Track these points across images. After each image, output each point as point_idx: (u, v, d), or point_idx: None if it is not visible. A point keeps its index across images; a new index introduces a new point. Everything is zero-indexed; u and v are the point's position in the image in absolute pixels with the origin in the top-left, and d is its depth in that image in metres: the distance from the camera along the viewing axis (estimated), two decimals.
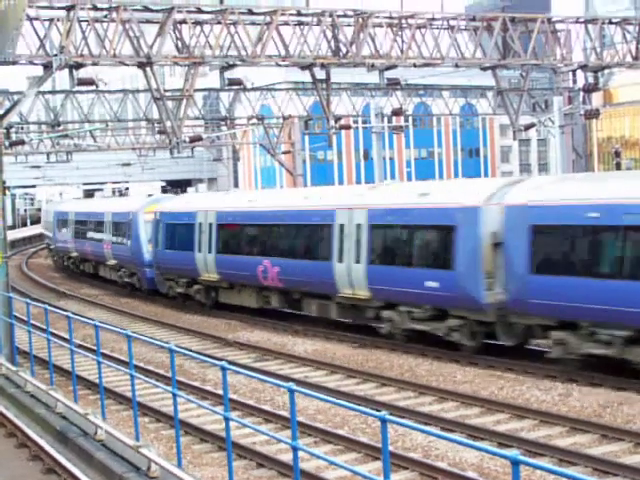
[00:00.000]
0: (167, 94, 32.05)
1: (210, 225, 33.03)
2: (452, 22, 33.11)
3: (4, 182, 23.36)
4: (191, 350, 23.76)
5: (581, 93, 45.27)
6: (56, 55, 25.59)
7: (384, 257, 24.88)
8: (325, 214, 27.12)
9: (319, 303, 27.44)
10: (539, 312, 20.35)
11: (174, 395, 12.32)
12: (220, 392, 17.91)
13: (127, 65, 29.61)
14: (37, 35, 26.42)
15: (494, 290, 21.52)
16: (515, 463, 6.72)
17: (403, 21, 32.00)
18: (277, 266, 28.83)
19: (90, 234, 47.26)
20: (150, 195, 54.50)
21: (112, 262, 42.76)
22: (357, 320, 26.49)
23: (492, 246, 21.67)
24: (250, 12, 30.36)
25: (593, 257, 19.60)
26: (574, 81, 50.39)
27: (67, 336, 17.45)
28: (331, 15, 30.51)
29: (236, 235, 31.88)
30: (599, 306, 18.88)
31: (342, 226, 26.14)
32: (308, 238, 28.30)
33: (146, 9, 28.85)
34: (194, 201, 37.69)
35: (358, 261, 25.40)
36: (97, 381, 16.05)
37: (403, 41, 32.01)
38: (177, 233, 35.46)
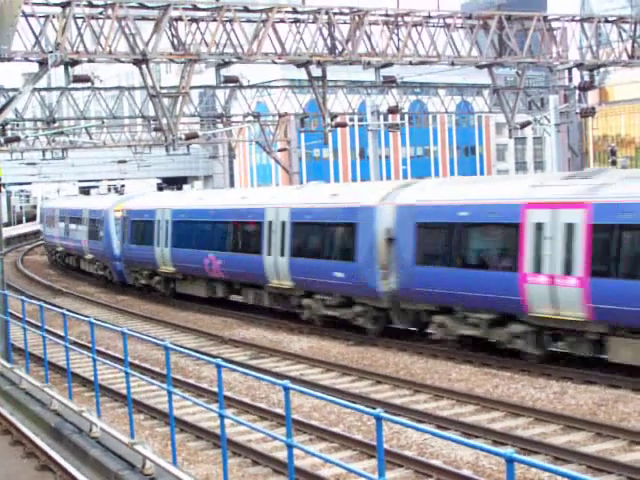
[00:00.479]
0: (163, 91, 32.02)
1: (167, 222, 36.48)
2: (448, 20, 33.11)
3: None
4: (186, 347, 23.76)
5: (577, 91, 45.27)
6: (52, 52, 25.56)
7: (303, 251, 27.90)
8: (257, 212, 30.15)
9: (255, 292, 30.55)
10: (423, 299, 23.42)
11: (169, 392, 12.31)
12: (215, 389, 17.93)
13: (123, 62, 29.62)
14: (32, 32, 26.39)
15: (388, 280, 24.38)
16: (510, 461, 6.72)
17: (399, 19, 32.00)
18: (220, 259, 32.06)
19: (71, 230, 50.32)
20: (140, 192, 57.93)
21: (89, 256, 45.91)
22: (285, 307, 29.21)
23: (386, 241, 24.53)
24: (246, 9, 30.33)
25: (463, 251, 22.71)
26: (570, 79, 50.39)
27: (62, 333, 17.43)
28: (327, 13, 30.50)
29: (187, 231, 35.01)
30: (468, 293, 21.93)
31: (270, 223, 29.20)
32: (244, 234, 31.41)
33: (142, 6, 28.82)
34: (155, 200, 40.98)
35: (282, 254, 28.46)
36: (92, 378, 16.04)
37: (399, 39, 32.01)
38: (140, 229, 38.76)
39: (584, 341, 19.86)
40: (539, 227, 20.54)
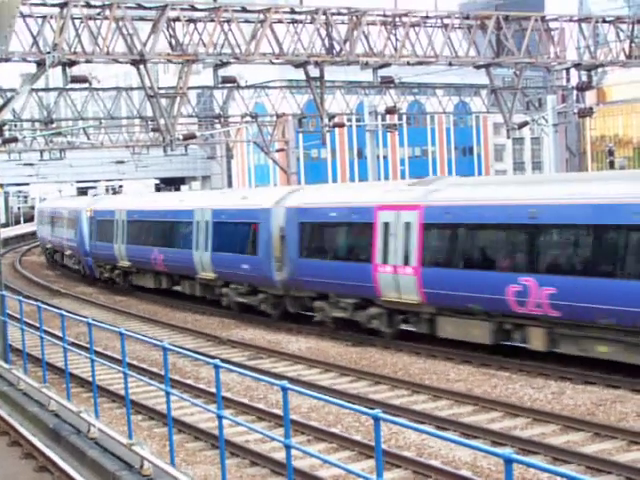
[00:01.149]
0: (161, 92, 32.01)
1: (122, 221, 40.88)
2: (446, 20, 33.14)
3: None
4: (185, 348, 23.73)
5: (574, 92, 45.35)
6: (49, 52, 25.57)
7: (221, 246, 32.19)
8: (188, 213, 34.72)
9: (189, 283, 34.85)
10: (306, 287, 27.66)
11: (167, 393, 12.30)
12: (213, 390, 17.89)
13: (120, 63, 29.61)
14: (30, 32, 26.40)
15: (282, 271, 28.55)
16: (508, 461, 6.71)
17: (397, 19, 32.03)
18: (162, 254, 36.35)
19: (56, 228, 54.87)
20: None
21: (68, 252, 50.07)
22: (211, 296, 33.19)
23: (280, 237, 28.87)
24: (244, 10, 30.35)
25: (333, 246, 27.32)
26: (568, 79, 50.48)
27: (60, 334, 17.42)
28: (325, 13, 30.51)
29: (138, 229, 39.42)
30: (338, 282, 26.02)
31: (198, 222, 33.74)
32: (179, 232, 35.54)
33: (139, 6, 28.84)
34: (115, 202, 45.85)
35: (207, 250, 32.87)
36: (90, 379, 16.02)
37: (397, 39, 32.04)
38: (104, 228, 42.96)
39: (421, 320, 23.81)
40: (386, 226, 24.46)
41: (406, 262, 23.65)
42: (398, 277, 23.84)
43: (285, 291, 28.60)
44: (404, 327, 24.76)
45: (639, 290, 18.28)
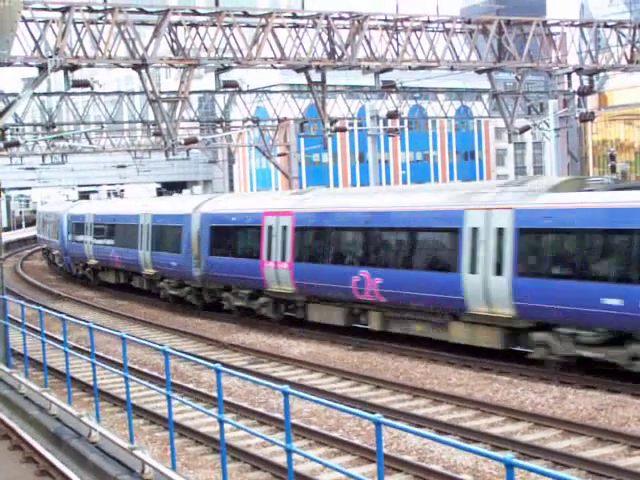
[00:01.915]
0: (162, 96, 32.01)
1: (90, 224, 46.31)
2: (447, 25, 33.14)
3: None
4: (186, 352, 23.69)
5: (576, 96, 45.32)
6: (51, 57, 25.59)
7: (157, 246, 37.15)
8: (136, 217, 39.97)
9: (139, 278, 39.76)
10: (216, 281, 32.43)
11: (168, 397, 12.30)
12: (214, 394, 17.91)
13: (122, 67, 29.61)
14: (32, 37, 26.41)
15: (199, 267, 33.19)
16: (509, 466, 6.72)
17: (398, 24, 32.03)
18: (118, 254, 41.59)
19: (47, 231, 59.74)
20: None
21: (55, 251, 54.44)
22: (153, 290, 38.13)
23: (197, 239, 33.52)
24: (245, 14, 30.37)
25: (234, 245, 31.58)
26: (569, 84, 50.42)
27: (62, 338, 17.42)
28: (326, 17, 30.53)
29: (102, 231, 44.35)
30: (237, 276, 30.74)
31: (142, 225, 38.69)
32: (129, 234, 39.84)
33: (141, 11, 28.85)
34: (86, 206, 51.37)
35: (148, 249, 37.89)
36: (92, 383, 16.02)
37: (398, 44, 32.05)
38: (77, 230, 48.24)
39: (297, 308, 28.55)
40: (270, 228, 29.18)
41: (283, 259, 28.53)
42: (278, 271, 28.76)
43: (202, 284, 33.35)
44: (287, 313, 29.31)
45: (433, 279, 23.23)
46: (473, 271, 22.07)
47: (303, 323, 28.80)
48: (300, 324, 28.76)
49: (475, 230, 22.11)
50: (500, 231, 21.46)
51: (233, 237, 31.99)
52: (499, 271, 21.39)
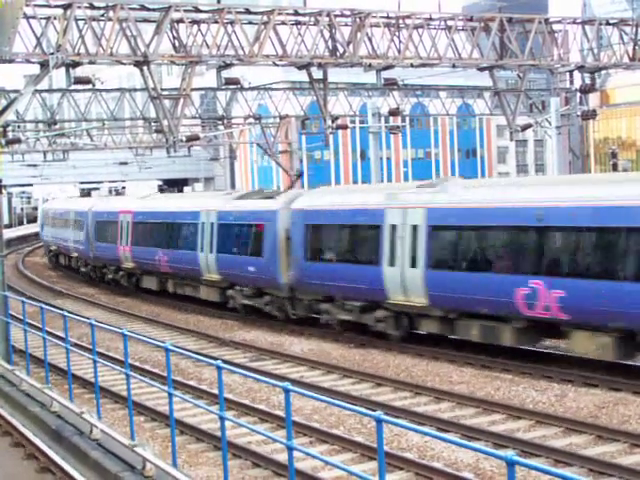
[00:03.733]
0: (164, 93, 32.01)
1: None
2: (449, 22, 33.10)
3: (0, 180, 23.33)
4: (187, 349, 23.74)
5: (578, 94, 45.30)
6: (53, 53, 25.56)
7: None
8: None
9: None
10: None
11: (170, 394, 12.30)
12: (216, 391, 17.92)
13: (124, 64, 29.61)
14: (34, 33, 26.38)
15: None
16: (510, 464, 6.71)
17: (400, 21, 32.00)
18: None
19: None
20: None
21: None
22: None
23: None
24: (247, 11, 30.33)
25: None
26: (571, 82, 50.46)
27: (63, 335, 17.43)
28: (328, 15, 30.50)
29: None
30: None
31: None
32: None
33: (143, 8, 28.81)
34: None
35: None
36: (93, 380, 16.03)
37: (400, 41, 32.01)
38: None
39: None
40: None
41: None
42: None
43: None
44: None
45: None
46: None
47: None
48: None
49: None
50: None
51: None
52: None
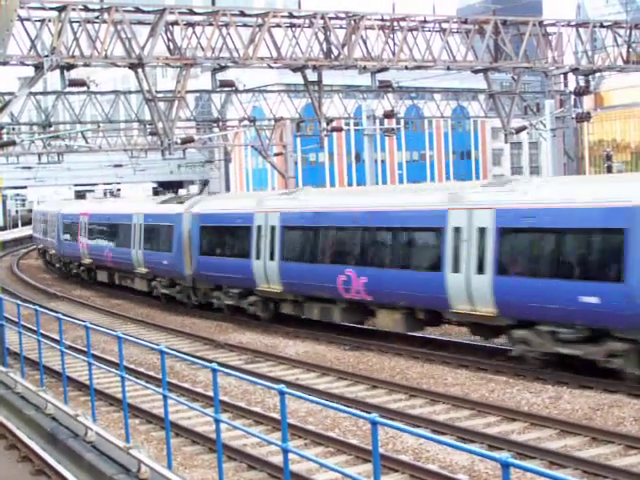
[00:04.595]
0: (159, 95, 32.03)
1: (48, 221, 55.89)
2: (444, 25, 33.18)
3: None
4: (182, 352, 23.70)
5: (572, 96, 45.36)
6: (47, 56, 25.58)
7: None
8: (55, 214, 51.68)
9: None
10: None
11: (165, 397, 12.30)
12: (211, 394, 17.89)
13: (119, 66, 29.60)
14: (28, 36, 26.39)
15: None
16: (505, 466, 6.72)
17: (395, 23, 32.06)
18: (52, 242, 52.41)
19: (34, 227, 68.70)
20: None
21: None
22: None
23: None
24: (242, 14, 30.38)
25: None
26: (565, 84, 50.48)
27: (58, 337, 17.41)
28: (323, 17, 30.54)
29: (41, 224, 55.08)
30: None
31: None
32: (52, 227, 48.94)
33: (138, 10, 28.85)
34: (45, 205, 60.99)
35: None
36: (88, 382, 16.01)
37: (395, 43, 32.07)
38: (46, 224, 56.84)
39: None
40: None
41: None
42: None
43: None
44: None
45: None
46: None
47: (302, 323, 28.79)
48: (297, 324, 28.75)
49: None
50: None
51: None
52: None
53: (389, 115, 48.95)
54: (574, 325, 19.33)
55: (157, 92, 33.69)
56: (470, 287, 21.55)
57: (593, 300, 18.70)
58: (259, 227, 29.25)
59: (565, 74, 42.26)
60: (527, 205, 20.58)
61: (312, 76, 32.72)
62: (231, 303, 31.21)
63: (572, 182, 23.29)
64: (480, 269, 21.20)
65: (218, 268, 31.65)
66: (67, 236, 49.41)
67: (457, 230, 21.95)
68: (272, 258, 28.54)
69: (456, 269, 21.93)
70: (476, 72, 34.73)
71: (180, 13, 29.41)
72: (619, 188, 19.53)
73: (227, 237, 32.12)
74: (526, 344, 20.50)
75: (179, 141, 34.65)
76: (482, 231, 21.40)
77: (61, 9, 26.35)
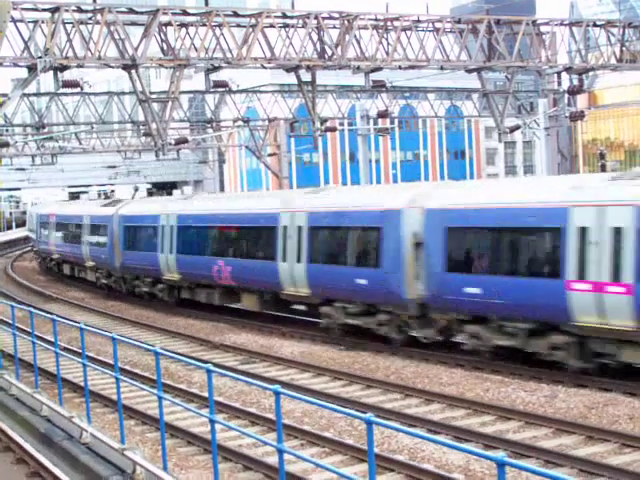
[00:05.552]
0: (152, 96, 32.00)
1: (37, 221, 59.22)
2: (437, 24, 33.19)
3: None
4: (177, 353, 23.65)
5: (566, 95, 45.40)
6: (41, 57, 25.55)
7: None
8: (33, 214, 56.49)
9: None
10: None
11: (160, 398, 12.28)
12: (206, 395, 17.88)
13: (112, 67, 29.57)
14: (22, 37, 26.35)
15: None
16: (501, 465, 6.72)
17: (388, 23, 32.07)
18: (35, 239, 57.50)
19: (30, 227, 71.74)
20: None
21: (30, 247, 61.15)
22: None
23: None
24: (235, 14, 30.37)
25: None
26: (559, 83, 50.50)
27: (52, 339, 17.39)
28: (316, 17, 30.54)
29: (31, 223, 58.22)
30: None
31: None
32: (35, 226, 52.35)
33: (131, 11, 28.83)
34: (33, 207, 63.27)
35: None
36: (83, 384, 15.99)
37: (388, 43, 32.09)
38: (40, 223, 58.12)
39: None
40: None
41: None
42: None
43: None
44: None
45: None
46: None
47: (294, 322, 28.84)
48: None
49: None
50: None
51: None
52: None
53: (383, 115, 48.95)
54: (355, 302, 24.89)
55: (151, 93, 33.67)
56: (293, 273, 27.39)
57: (363, 282, 24.22)
58: (163, 227, 35.76)
59: (559, 73, 42.32)
60: (326, 208, 26.27)
61: (306, 76, 32.71)
62: (146, 290, 37.48)
63: (356, 190, 31.87)
64: (299, 259, 26.94)
65: (136, 260, 37.98)
66: (42, 234, 55.90)
67: (285, 228, 27.73)
68: (171, 252, 34.80)
69: (284, 259, 27.73)
70: (470, 71, 34.75)
71: (173, 14, 29.39)
72: (377, 196, 25.55)
73: (142, 234, 38.11)
74: (329, 318, 26.08)
75: (173, 142, 34.64)
76: (300, 229, 27.25)
77: (54, 10, 26.31)
